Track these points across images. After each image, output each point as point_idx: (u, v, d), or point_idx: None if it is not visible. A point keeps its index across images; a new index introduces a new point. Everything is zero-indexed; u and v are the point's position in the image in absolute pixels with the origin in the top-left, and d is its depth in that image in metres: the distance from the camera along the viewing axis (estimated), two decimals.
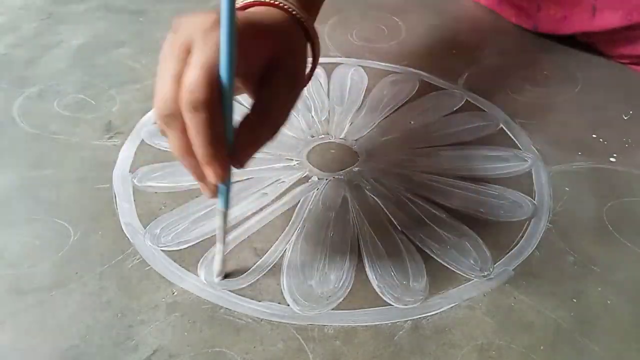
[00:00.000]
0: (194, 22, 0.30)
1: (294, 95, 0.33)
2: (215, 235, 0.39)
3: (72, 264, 0.37)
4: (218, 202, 0.33)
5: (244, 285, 0.36)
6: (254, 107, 0.32)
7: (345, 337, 0.34)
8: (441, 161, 0.47)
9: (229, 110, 0.30)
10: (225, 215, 0.34)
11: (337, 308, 0.35)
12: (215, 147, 0.29)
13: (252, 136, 0.32)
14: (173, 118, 0.29)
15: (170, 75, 0.29)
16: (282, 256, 0.38)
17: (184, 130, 0.29)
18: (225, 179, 0.31)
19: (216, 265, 0.36)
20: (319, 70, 0.57)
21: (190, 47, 0.29)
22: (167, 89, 0.29)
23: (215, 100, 0.28)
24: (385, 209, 0.42)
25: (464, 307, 0.36)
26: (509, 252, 0.40)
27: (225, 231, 0.35)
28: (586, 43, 0.62)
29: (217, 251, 0.36)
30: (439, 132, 0.50)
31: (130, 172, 0.44)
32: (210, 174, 0.30)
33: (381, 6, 0.69)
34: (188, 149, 0.30)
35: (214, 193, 0.32)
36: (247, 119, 0.32)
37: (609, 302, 0.37)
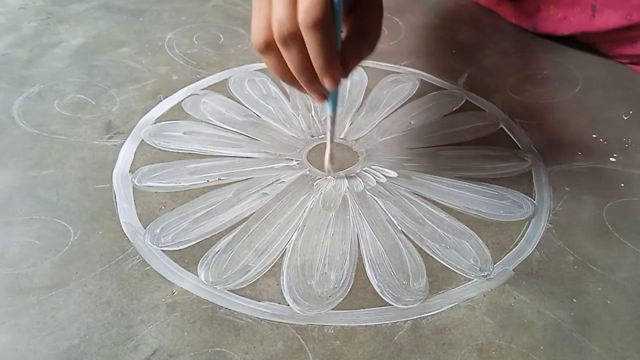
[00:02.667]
0: None
1: (382, 16, 0.38)
2: (214, 235, 0.40)
3: (72, 264, 0.37)
4: (328, 108, 0.39)
5: (244, 285, 0.36)
6: (354, 26, 0.37)
7: (345, 337, 0.34)
8: (441, 161, 0.47)
9: (339, 26, 0.34)
10: (334, 118, 0.40)
11: (337, 308, 0.35)
12: (333, 58, 0.34)
13: (356, 50, 0.36)
14: (292, 37, 0.33)
15: (286, 0, 0.32)
16: (282, 256, 0.38)
17: (301, 49, 0.33)
18: (338, 85, 0.36)
19: (326, 162, 0.43)
20: None
21: None
22: (283, 12, 0.32)
23: (330, 17, 0.32)
24: (385, 209, 0.42)
25: (464, 307, 0.36)
26: (509, 252, 0.40)
27: (334, 132, 0.41)
28: (586, 43, 0.62)
29: (327, 150, 0.43)
30: (439, 132, 0.50)
31: (130, 172, 0.44)
32: (327, 82, 0.35)
33: None
34: (305, 65, 0.34)
35: (322, 98, 0.38)
36: (349, 36, 0.36)
37: (609, 302, 0.37)
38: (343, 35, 0.36)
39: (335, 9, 0.33)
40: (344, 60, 0.36)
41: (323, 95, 0.38)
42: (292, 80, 0.37)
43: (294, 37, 0.33)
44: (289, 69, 0.35)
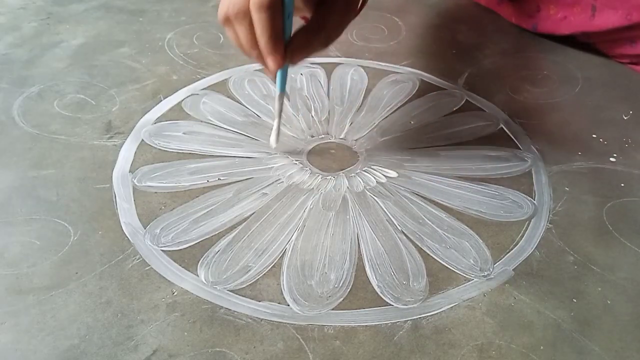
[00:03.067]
0: None
1: (347, 19, 0.40)
2: (214, 235, 0.40)
3: (72, 264, 0.37)
4: (276, 87, 0.41)
5: (244, 285, 0.36)
6: (311, 20, 0.39)
7: (345, 337, 0.34)
8: (441, 161, 0.47)
9: (290, 15, 0.37)
10: (281, 97, 0.42)
11: (337, 308, 0.35)
12: (275, 41, 0.36)
13: (306, 41, 0.38)
14: (242, 16, 0.36)
15: None
16: (282, 256, 0.38)
17: (250, 26, 0.36)
18: (281, 68, 0.38)
19: (272, 138, 0.45)
20: (318, 70, 0.57)
21: None
22: None
23: (278, 2, 0.35)
24: (385, 209, 0.42)
25: (464, 307, 0.36)
26: (509, 252, 0.40)
27: (281, 109, 0.43)
28: (586, 43, 0.62)
29: (274, 125, 0.44)
30: (439, 132, 0.50)
31: (130, 172, 0.44)
32: (269, 62, 0.38)
33: (381, 6, 0.69)
34: (253, 43, 0.37)
35: (274, 76, 0.40)
36: (304, 27, 0.39)
37: (609, 302, 0.37)
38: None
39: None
40: (290, 47, 0.38)
41: (272, 72, 0.39)
42: (246, 53, 0.39)
43: (243, 16, 0.36)
44: (247, 40, 0.38)
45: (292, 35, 0.38)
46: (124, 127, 0.49)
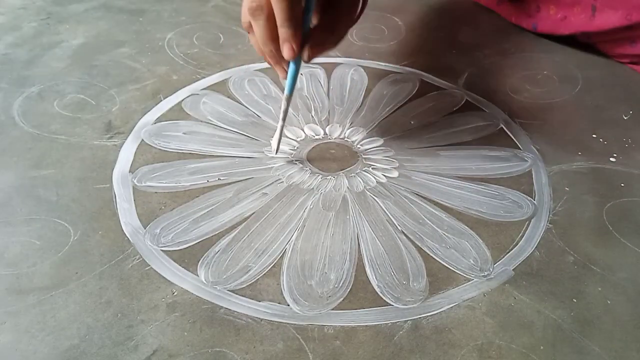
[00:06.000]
0: None
1: (352, 20, 0.41)
2: (214, 235, 0.40)
3: (72, 264, 0.37)
4: (285, 89, 0.42)
5: (244, 285, 0.36)
6: (320, 23, 0.40)
7: (345, 337, 0.34)
8: (441, 161, 0.47)
9: (310, 11, 0.38)
10: (289, 100, 0.42)
11: (337, 308, 0.35)
12: (296, 29, 0.37)
13: (319, 40, 0.40)
14: (260, 8, 0.37)
15: None
16: (282, 256, 0.38)
17: (269, 18, 0.37)
18: (297, 57, 0.39)
19: (274, 142, 0.45)
20: (318, 70, 0.57)
21: None
22: None
23: None
24: (385, 209, 0.42)
25: (464, 307, 0.36)
26: (509, 252, 0.40)
27: (287, 113, 0.43)
28: (586, 43, 0.62)
29: (277, 130, 0.44)
30: (439, 132, 0.50)
31: (130, 172, 0.44)
32: (286, 50, 0.38)
33: (381, 6, 0.69)
34: (271, 35, 0.38)
35: (285, 74, 0.41)
36: (318, 26, 0.40)
37: (609, 302, 0.37)
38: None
39: None
40: (309, 43, 0.39)
41: (284, 70, 0.41)
42: (263, 48, 0.40)
43: (262, 8, 0.37)
44: (265, 32, 0.38)
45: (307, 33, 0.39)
46: (124, 127, 0.49)
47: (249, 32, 0.41)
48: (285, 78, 0.41)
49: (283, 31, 0.37)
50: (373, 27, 0.65)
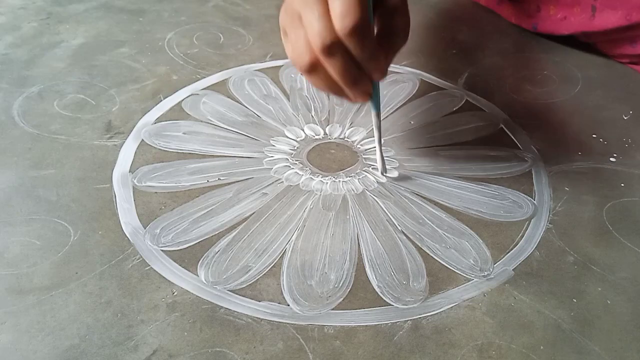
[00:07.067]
0: None
1: (406, 7, 0.39)
2: (214, 235, 0.40)
3: (72, 264, 0.37)
4: (372, 108, 0.41)
5: (244, 285, 0.36)
6: (382, 24, 0.38)
7: (345, 337, 0.34)
8: (441, 161, 0.47)
9: (370, 16, 0.35)
10: (379, 116, 0.42)
11: (337, 308, 0.35)
12: (378, 53, 0.35)
13: (390, 45, 0.38)
14: (335, 47, 0.33)
15: (318, 14, 0.33)
16: (282, 256, 0.38)
17: (344, 55, 0.34)
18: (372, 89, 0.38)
19: (378, 165, 0.44)
20: None
21: None
22: (320, 25, 0.33)
23: (367, 17, 0.33)
24: (385, 209, 0.42)
25: (464, 307, 0.36)
26: (509, 252, 0.40)
27: (380, 129, 0.42)
28: (586, 43, 0.62)
29: (377, 153, 0.44)
30: (439, 132, 0.50)
31: (130, 172, 0.44)
32: (376, 75, 0.36)
33: None
34: (349, 69, 0.35)
35: (370, 97, 0.38)
36: (380, 33, 0.38)
37: (609, 302, 0.37)
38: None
39: (369, 6, 0.34)
40: (385, 54, 0.37)
41: (368, 93, 0.38)
42: (338, 91, 0.37)
43: (337, 46, 0.33)
44: (334, 81, 0.36)
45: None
46: (124, 127, 0.49)
47: (310, 75, 0.36)
48: (367, 100, 0.39)
49: (367, 61, 0.35)
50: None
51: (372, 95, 0.38)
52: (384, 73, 0.37)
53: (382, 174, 0.45)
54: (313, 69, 0.35)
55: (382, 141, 0.44)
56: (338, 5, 0.32)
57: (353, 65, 0.35)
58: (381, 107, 0.53)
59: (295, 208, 0.42)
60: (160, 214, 0.41)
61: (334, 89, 0.37)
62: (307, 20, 0.33)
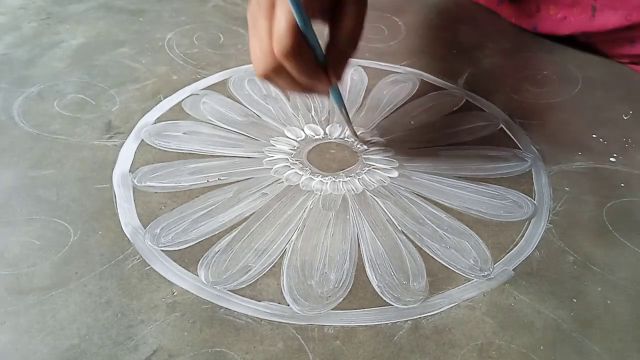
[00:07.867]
0: None
1: (361, 15, 0.40)
2: (214, 235, 0.40)
3: (72, 264, 0.37)
4: (335, 101, 0.44)
5: (244, 285, 0.36)
6: (333, 33, 0.39)
7: (345, 337, 0.34)
8: (441, 161, 0.47)
9: (313, 39, 0.37)
10: (342, 107, 0.44)
11: (337, 308, 0.35)
12: (316, 74, 0.38)
13: (339, 54, 0.39)
14: (278, 69, 0.36)
15: (263, 33, 0.36)
16: (282, 256, 0.38)
17: (287, 75, 0.37)
18: (331, 90, 0.41)
19: (349, 130, 0.48)
20: None
21: (275, 3, 0.35)
22: (264, 46, 0.36)
23: (301, 40, 0.35)
24: (385, 209, 0.42)
25: (464, 307, 0.36)
26: (509, 252, 0.40)
27: (347, 114, 0.45)
28: (586, 43, 0.62)
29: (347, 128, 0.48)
30: (439, 132, 0.50)
31: (130, 172, 0.44)
32: (320, 91, 0.40)
33: (381, 6, 0.69)
34: (298, 85, 0.38)
35: (328, 95, 0.42)
36: (331, 41, 0.39)
37: (609, 302, 0.37)
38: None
39: (303, 28, 0.35)
40: (331, 66, 0.38)
41: (326, 94, 0.42)
42: (300, 92, 0.41)
43: (278, 69, 0.36)
44: (292, 86, 0.39)
45: (325, 53, 0.38)
46: (124, 127, 0.49)
47: (269, 80, 0.39)
48: (328, 97, 0.43)
49: (306, 82, 0.38)
50: (373, 27, 0.65)
51: (329, 93, 0.42)
52: (326, 90, 0.40)
53: (354, 136, 0.48)
54: (266, 79, 0.38)
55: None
56: (274, 29, 0.35)
57: (302, 76, 0.37)
58: (381, 106, 0.53)
59: (295, 208, 0.42)
60: (160, 214, 0.41)
61: (296, 90, 0.40)
62: (255, 39, 0.37)
